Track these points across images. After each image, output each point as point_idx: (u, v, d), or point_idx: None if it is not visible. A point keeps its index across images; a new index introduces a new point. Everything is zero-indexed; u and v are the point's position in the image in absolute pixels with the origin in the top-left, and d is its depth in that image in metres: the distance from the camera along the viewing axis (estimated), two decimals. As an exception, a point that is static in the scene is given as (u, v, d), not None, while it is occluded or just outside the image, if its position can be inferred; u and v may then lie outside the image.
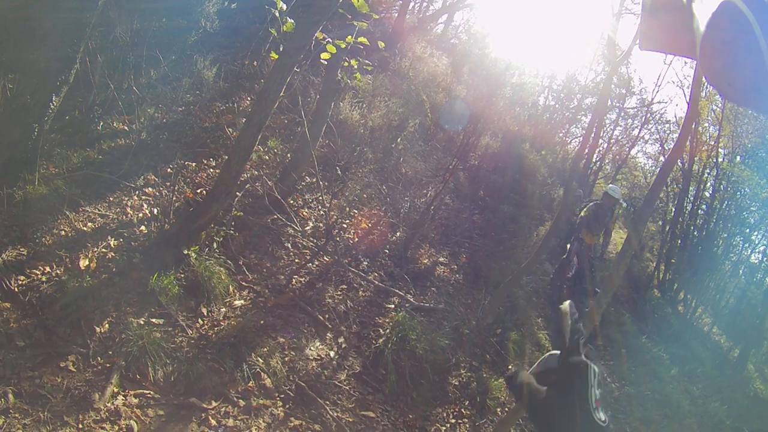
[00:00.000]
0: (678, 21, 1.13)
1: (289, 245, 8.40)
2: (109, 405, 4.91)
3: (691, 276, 21.45)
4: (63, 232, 6.35)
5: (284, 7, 6.74)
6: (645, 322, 16.19)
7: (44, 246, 6.06)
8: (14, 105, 6.57)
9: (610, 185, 15.06)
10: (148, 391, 5.24)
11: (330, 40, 7.17)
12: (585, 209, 13.89)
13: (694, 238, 22.45)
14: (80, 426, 4.61)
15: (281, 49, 7.10)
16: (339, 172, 10.04)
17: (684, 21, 1.10)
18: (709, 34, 1.00)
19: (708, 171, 24.34)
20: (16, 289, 5.51)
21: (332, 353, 7.13)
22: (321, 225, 8.98)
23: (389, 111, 12.73)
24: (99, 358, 5.25)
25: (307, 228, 8.91)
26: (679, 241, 21.91)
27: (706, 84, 23.99)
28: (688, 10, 1.09)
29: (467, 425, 7.47)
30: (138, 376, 5.30)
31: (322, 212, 9.11)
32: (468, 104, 15.57)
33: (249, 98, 10.74)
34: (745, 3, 0.94)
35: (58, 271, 5.84)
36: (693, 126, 21.79)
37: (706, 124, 24.56)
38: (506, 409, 7.78)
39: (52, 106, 6.45)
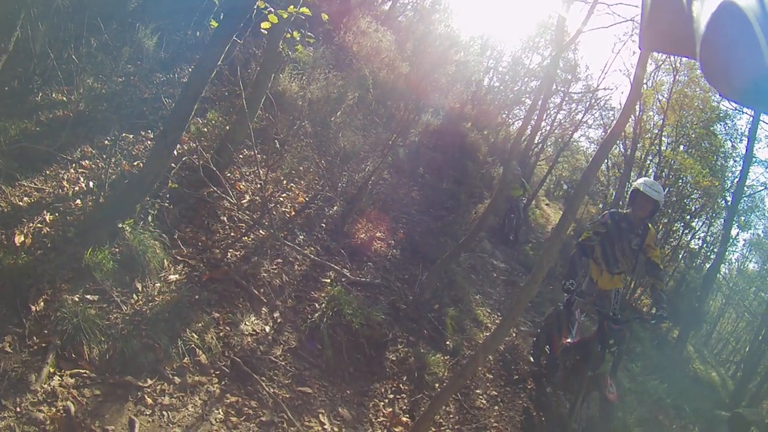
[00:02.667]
0: (678, 21, 1.17)
1: (225, 219, 8.40)
2: (45, 386, 4.87)
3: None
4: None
5: (226, -25, 6.71)
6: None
7: None
8: (-50, 77, 6.47)
9: (643, 179, 8.34)
10: (84, 371, 5.20)
11: (272, 10, 7.14)
12: (593, 227, 8.34)
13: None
14: (18, 409, 4.58)
15: (221, 17, 7.08)
16: (277, 145, 10.01)
17: (684, 21, 1.17)
18: (709, 34, 1.04)
19: (650, 158, 24.84)
20: (-50, 269, 5.42)
21: (267, 328, 7.16)
22: (257, 198, 8.93)
23: (329, 84, 12.72)
24: (35, 338, 5.19)
25: (244, 201, 8.91)
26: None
27: (651, 73, 24.54)
28: (688, 10, 1.14)
29: (405, 400, 7.58)
30: (74, 355, 5.25)
31: (258, 185, 9.05)
32: (410, 81, 15.60)
33: (190, 69, 10.54)
34: (744, 3, 0.97)
35: None
36: (636, 108, 22.10)
37: (651, 113, 25.06)
38: (444, 383, 7.89)
39: None
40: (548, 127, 31.09)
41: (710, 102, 23.63)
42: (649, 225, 8.02)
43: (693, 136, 24.17)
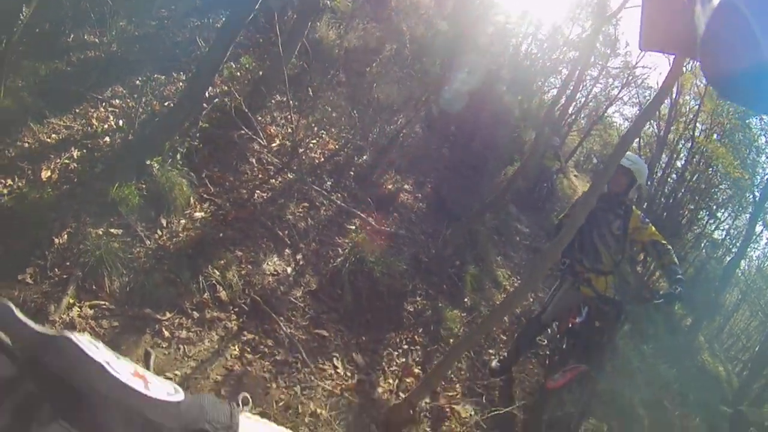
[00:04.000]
0: (678, 21, 1.18)
1: (254, 161, 8.44)
2: (64, 317, 4.96)
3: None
4: (26, 144, 6.35)
5: None
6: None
7: (6, 158, 6.06)
8: (-19, 16, 6.51)
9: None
10: (103, 302, 5.30)
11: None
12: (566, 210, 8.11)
13: (660, 204, 22.69)
14: None
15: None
16: (310, 92, 10.02)
17: (684, 21, 1.12)
18: (708, 34, 1.01)
19: (683, 142, 24.51)
20: (-24, 202, 5.52)
21: (289, 269, 7.22)
22: (288, 143, 8.98)
23: (366, 34, 12.66)
24: (56, 270, 5.30)
25: (274, 145, 8.93)
26: (645, 204, 22.09)
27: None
28: (688, 10, 1.08)
29: (419, 352, 7.58)
30: (94, 287, 5.35)
31: (289, 130, 9.08)
32: (448, 39, 15.48)
33: (225, 14, 10.57)
34: (745, 3, 0.93)
35: (20, 184, 5.85)
36: (674, 91, 21.80)
37: (688, 97, 24.68)
38: (458, 339, 7.90)
39: (21, 17, 6.34)
40: (583, 99, 30.90)
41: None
42: (633, 207, 6.89)
43: (728, 126, 23.80)
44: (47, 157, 6.28)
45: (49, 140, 6.54)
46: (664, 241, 6.63)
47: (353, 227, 8.66)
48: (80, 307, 5.15)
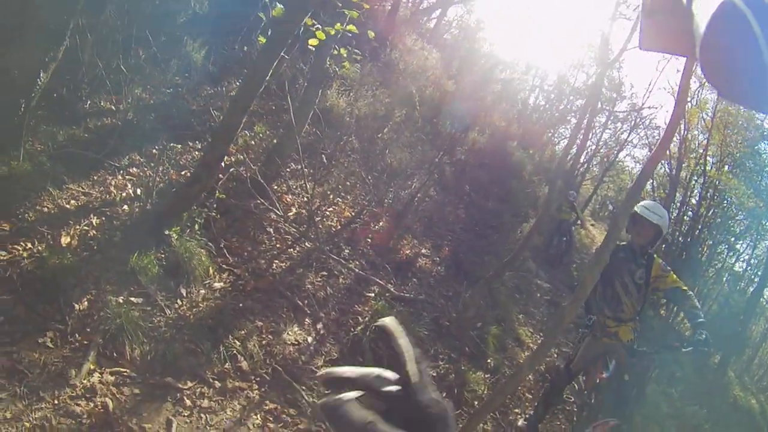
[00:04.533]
0: (678, 21, 1.14)
1: (271, 230, 8.42)
2: (85, 382, 4.90)
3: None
4: (46, 209, 6.33)
5: (273, -9, 6.77)
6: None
7: (27, 222, 6.04)
8: (1, 80, 6.56)
9: (644, 201, 7.32)
10: (124, 370, 5.24)
11: (319, 27, 7.18)
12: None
13: (678, 244, 22.50)
14: (56, 402, 4.61)
15: (269, 33, 7.11)
16: (324, 159, 10.04)
17: (684, 21, 1.10)
18: (708, 34, 0.97)
19: (695, 178, 24.42)
20: (-4, 264, 5.50)
21: (310, 339, 7.15)
22: (304, 211, 8.98)
23: (376, 100, 12.75)
24: (77, 335, 5.24)
25: (290, 214, 8.91)
26: (663, 246, 21.90)
27: (696, 91, 24.35)
28: (687, 9, 1.06)
29: (444, 417, 7.45)
30: (115, 354, 5.30)
31: (305, 199, 9.09)
32: (457, 99, 15.60)
33: (237, 83, 10.72)
34: (745, 3, 0.91)
35: (40, 248, 5.80)
36: (681, 128, 21.83)
37: (696, 132, 24.68)
38: (483, 401, 7.79)
39: (39, 82, 6.43)
40: (593, 147, 31.00)
41: (754, 120, 23.27)
42: (655, 256, 6.85)
43: (738, 155, 23.77)
44: (66, 223, 6.27)
45: (68, 206, 6.54)
46: (684, 287, 6.55)
47: (372, 295, 8.57)
48: (101, 374, 5.09)
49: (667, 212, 6.90)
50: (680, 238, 22.81)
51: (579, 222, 22.19)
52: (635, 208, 6.61)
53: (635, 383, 6.55)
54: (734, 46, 0.94)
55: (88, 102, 8.28)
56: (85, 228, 6.36)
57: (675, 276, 6.67)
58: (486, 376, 8.76)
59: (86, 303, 5.55)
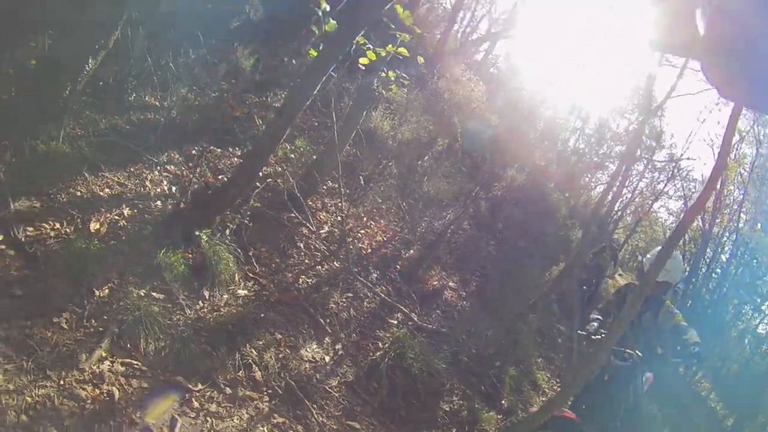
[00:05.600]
0: (679, 21, 1.11)
1: (302, 245, 8.40)
2: (94, 368, 4.87)
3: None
4: (79, 193, 6.37)
5: (327, 8, 6.77)
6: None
7: (58, 202, 6.09)
8: (49, 61, 6.60)
9: (653, 251, 8.07)
10: (136, 362, 5.20)
11: (370, 47, 7.16)
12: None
13: (705, 301, 22.27)
14: (61, 383, 4.59)
15: (320, 48, 7.10)
16: (362, 181, 10.02)
17: (685, 21, 1.11)
18: (708, 35, 1.01)
19: (727, 235, 24.17)
20: (23, 239, 5.53)
21: (327, 358, 7.09)
22: (336, 231, 8.96)
23: (420, 127, 12.71)
24: (93, 321, 5.23)
25: (322, 231, 8.90)
26: (689, 302, 21.63)
27: (735, 145, 24.18)
28: (689, 10, 1.08)
29: (452, 453, 7.36)
30: (128, 346, 5.27)
31: (339, 218, 9.07)
32: (498, 134, 15.55)
33: (282, 94, 10.76)
34: (744, 4, 0.93)
35: (68, 230, 5.86)
36: (719, 184, 21.64)
37: (731, 187, 24.46)
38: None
39: (87, 68, 6.50)
40: (629, 195, 30.70)
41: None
42: (667, 301, 6.87)
43: None
44: (98, 210, 6.31)
45: (101, 193, 6.58)
46: (684, 323, 6.51)
47: (395, 321, 8.54)
48: (112, 362, 5.07)
49: (680, 261, 7.05)
50: (707, 296, 22.60)
51: (612, 276, 21.80)
52: (645, 262, 6.87)
53: (621, 390, 6.27)
54: (735, 47, 0.97)
55: (134, 95, 8.35)
56: (116, 217, 6.40)
57: (680, 316, 6.66)
58: (498, 416, 8.65)
59: (107, 291, 5.56)
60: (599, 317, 7.44)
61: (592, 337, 6.77)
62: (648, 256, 6.91)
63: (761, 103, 1.08)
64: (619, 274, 29.73)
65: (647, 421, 12.46)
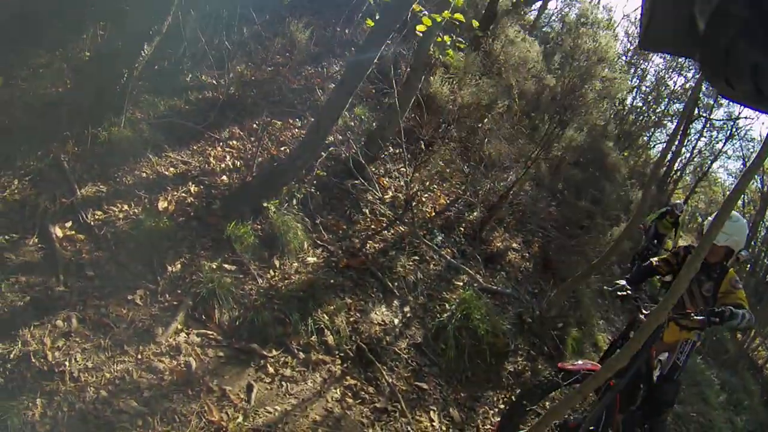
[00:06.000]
0: (678, 21, 1.13)
1: (367, 211, 8.54)
2: (170, 340, 5.05)
3: (755, 304, 19.96)
4: (144, 174, 6.56)
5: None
6: (703, 342, 15.65)
7: (124, 185, 6.28)
8: (105, 50, 6.81)
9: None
10: (211, 332, 5.38)
11: (426, 13, 7.14)
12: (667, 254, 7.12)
13: (764, 266, 21.84)
14: (139, 356, 4.77)
15: (377, 17, 7.12)
16: (423, 145, 10.05)
17: (684, 21, 1.11)
18: (708, 34, 1.00)
19: (789, 198, 23.64)
20: (92, 223, 5.73)
21: (396, 321, 7.19)
22: (400, 195, 9.06)
23: (479, 90, 12.65)
24: (167, 296, 5.42)
25: (386, 196, 9.01)
26: (748, 267, 21.21)
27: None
28: (688, 10, 1.08)
29: (514, 413, 7.44)
30: (203, 317, 5.46)
31: (402, 183, 9.20)
32: (556, 94, 15.40)
33: (339, 64, 10.90)
34: (743, 3, 0.93)
35: (136, 210, 6.04)
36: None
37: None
38: (554, 402, 7.67)
39: (143, 54, 6.69)
40: (688, 154, 30.17)
41: None
42: (729, 270, 6.33)
43: None
44: (164, 189, 6.49)
45: (166, 173, 6.76)
46: (746, 308, 5.88)
47: (461, 283, 8.55)
48: (188, 334, 5.25)
49: (744, 227, 6.51)
50: (766, 260, 22.13)
51: (675, 240, 21.16)
52: (704, 224, 6.62)
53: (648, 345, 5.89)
54: (733, 46, 0.95)
55: (189, 75, 8.51)
56: (183, 195, 6.57)
57: (743, 294, 6.17)
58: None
59: (179, 266, 5.75)
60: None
61: (618, 293, 6.50)
62: (710, 218, 6.50)
63: (762, 104, 1.08)
64: (680, 236, 29.31)
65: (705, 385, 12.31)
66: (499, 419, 6.82)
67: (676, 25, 1.15)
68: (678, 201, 18.72)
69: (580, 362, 6.12)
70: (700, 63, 1.08)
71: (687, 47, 1.16)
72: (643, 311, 6.01)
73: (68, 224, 5.68)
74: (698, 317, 5.68)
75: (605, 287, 7.12)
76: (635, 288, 6.42)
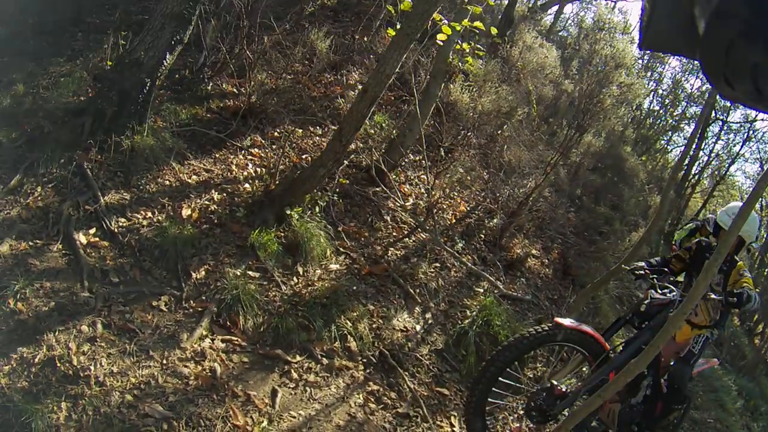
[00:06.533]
0: (678, 21, 1.16)
1: (389, 218, 8.60)
2: (195, 346, 5.14)
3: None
4: (167, 182, 6.67)
5: (403, -13, 6.82)
6: (720, 347, 15.59)
7: (147, 193, 6.39)
8: (127, 60, 6.88)
9: (727, 206, 7.05)
10: (235, 338, 5.46)
11: (446, 22, 7.18)
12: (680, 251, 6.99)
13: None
14: (164, 362, 4.85)
15: (398, 26, 7.17)
16: (443, 152, 10.09)
17: (684, 21, 1.13)
18: (708, 34, 1.01)
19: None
20: (116, 230, 5.84)
21: (418, 327, 7.23)
22: (421, 202, 9.07)
23: (499, 97, 12.68)
24: (191, 302, 5.51)
25: (408, 204, 9.02)
26: (766, 271, 21.13)
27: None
28: (688, 10, 1.10)
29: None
30: (228, 323, 5.55)
31: (422, 190, 9.24)
32: (573, 99, 15.41)
33: (358, 72, 10.97)
34: (743, 3, 0.94)
35: (160, 217, 6.15)
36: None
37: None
38: (572, 408, 7.69)
39: (165, 63, 6.82)
40: (705, 158, 30.02)
41: None
42: (739, 262, 6.28)
43: None
44: (188, 196, 6.60)
45: (189, 180, 6.86)
46: (752, 288, 5.88)
47: (481, 290, 8.58)
48: (212, 340, 5.33)
49: (756, 218, 6.56)
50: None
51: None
52: (716, 217, 6.47)
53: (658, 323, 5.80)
54: (734, 46, 0.96)
55: (210, 84, 8.59)
56: (206, 202, 6.67)
57: (750, 280, 6.14)
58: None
59: (203, 272, 5.84)
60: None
61: (636, 272, 6.44)
62: (723, 209, 6.44)
63: (762, 104, 1.08)
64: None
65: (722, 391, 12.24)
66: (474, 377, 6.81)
67: (676, 25, 1.18)
68: (710, 215, 18.63)
69: (577, 323, 5.99)
70: (700, 63, 1.08)
71: (687, 47, 1.18)
72: (658, 291, 5.91)
73: (92, 231, 5.81)
74: (716, 297, 5.72)
75: (623, 266, 7.00)
76: (653, 270, 6.34)
